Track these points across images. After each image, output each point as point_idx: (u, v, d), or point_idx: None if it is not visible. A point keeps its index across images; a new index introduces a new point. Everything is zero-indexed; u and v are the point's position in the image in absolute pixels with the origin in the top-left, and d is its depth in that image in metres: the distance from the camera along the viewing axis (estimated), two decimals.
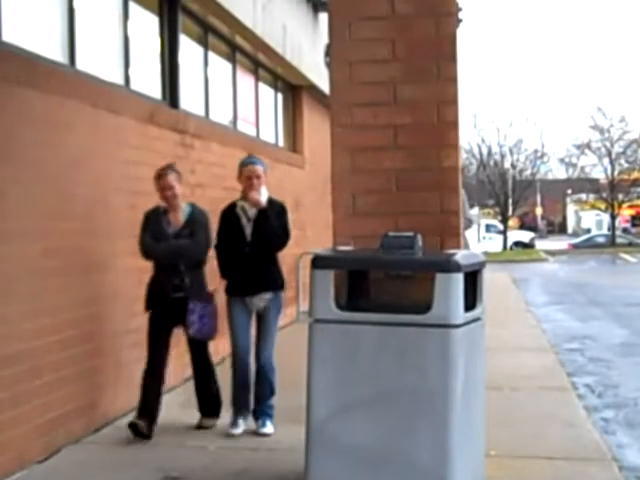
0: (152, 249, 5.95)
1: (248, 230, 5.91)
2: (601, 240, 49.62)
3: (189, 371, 6.42)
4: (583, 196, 62.50)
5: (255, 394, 5.99)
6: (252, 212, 5.93)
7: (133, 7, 7.62)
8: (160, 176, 6.04)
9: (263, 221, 5.88)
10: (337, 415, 4.07)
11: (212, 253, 6.17)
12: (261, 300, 5.92)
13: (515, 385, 7.61)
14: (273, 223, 5.90)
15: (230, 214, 6.02)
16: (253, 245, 5.89)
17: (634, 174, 50.82)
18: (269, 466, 5.23)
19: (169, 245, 5.93)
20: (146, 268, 6.10)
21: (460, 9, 6.24)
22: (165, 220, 6.03)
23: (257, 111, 11.76)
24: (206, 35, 9.69)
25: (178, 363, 6.82)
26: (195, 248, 5.98)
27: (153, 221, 6.01)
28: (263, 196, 5.94)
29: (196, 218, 6.06)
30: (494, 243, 46.09)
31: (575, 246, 47.80)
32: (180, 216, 6.06)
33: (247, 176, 5.96)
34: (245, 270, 5.87)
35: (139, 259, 6.09)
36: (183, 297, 5.88)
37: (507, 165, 50.99)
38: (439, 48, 4.65)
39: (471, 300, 4.13)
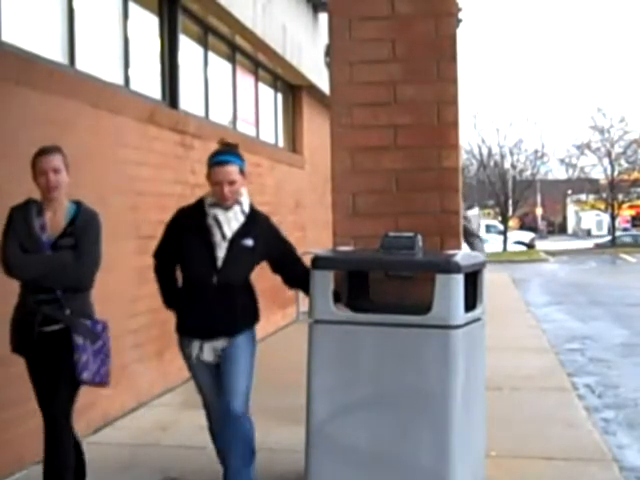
0: (18, 263, 4.10)
1: (221, 252, 4.26)
2: (627, 240, 49.89)
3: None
4: (583, 196, 62.56)
5: (227, 464, 4.41)
6: (231, 226, 4.29)
7: (133, 7, 7.62)
8: (39, 156, 4.19)
9: (243, 241, 4.28)
10: (337, 416, 4.06)
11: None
12: (220, 344, 4.35)
13: (515, 385, 7.60)
14: (277, 249, 4.45)
15: (196, 221, 4.33)
16: (224, 274, 4.25)
17: (634, 174, 50.86)
18: (269, 466, 5.22)
19: (42, 259, 4.11)
20: (147, 268, 6.08)
21: (460, 9, 6.23)
22: (39, 222, 4.15)
23: (257, 111, 11.76)
24: (206, 35, 9.70)
25: (178, 363, 6.81)
26: (81, 266, 4.16)
27: (20, 222, 4.15)
28: (244, 204, 4.35)
29: (83, 222, 4.23)
30: (494, 244, 46.16)
31: (600, 246, 48.45)
32: (61, 217, 4.21)
33: (216, 181, 4.27)
34: (208, 307, 4.26)
35: (140, 259, 6.07)
36: (60, 330, 4.13)
37: (507, 165, 51.01)
38: (439, 48, 4.64)
39: (471, 300, 4.13)
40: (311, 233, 13.43)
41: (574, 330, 13.10)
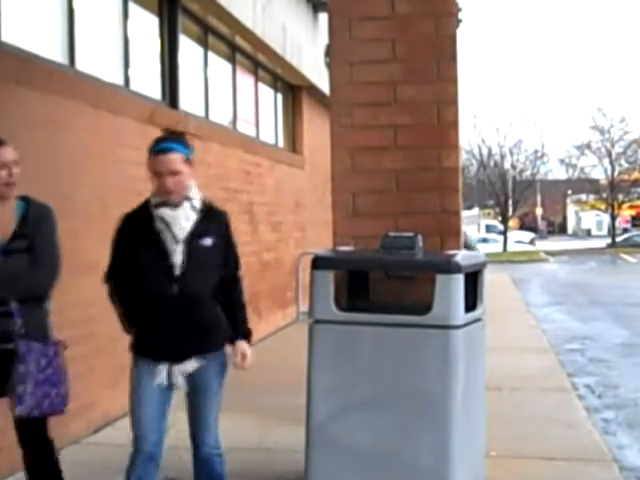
0: None
1: (176, 258, 3.67)
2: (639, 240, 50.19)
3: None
4: (583, 196, 62.59)
5: None
6: (182, 226, 3.70)
7: (133, 7, 7.62)
8: None
9: (201, 241, 3.72)
10: (337, 416, 4.06)
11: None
12: (191, 366, 3.76)
13: (515, 385, 7.60)
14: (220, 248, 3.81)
15: (142, 227, 3.75)
16: (185, 282, 3.67)
17: (634, 174, 50.91)
18: (269, 466, 5.22)
19: None
20: None
21: (460, 9, 6.22)
22: None
23: (257, 111, 11.76)
24: (206, 35, 9.70)
25: None
26: (37, 272, 3.63)
27: None
28: (194, 199, 3.78)
29: (35, 220, 3.67)
30: (495, 245, 46.20)
31: (611, 245, 48.70)
32: (10, 218, 3.65)
33: (155, 171, 3.72)
34: (169, 322, 3.67)
35: None
36: (10, 351, 3.56)
37: (507, 165, 51.06)
38: (439, 48, 4.64)
39: (472, 301, 4.12)
40: (311, 233, 13.43)
41: (574, 330, 13.10)
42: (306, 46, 12.84)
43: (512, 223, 54.48)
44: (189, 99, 8.85)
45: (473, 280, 4.18)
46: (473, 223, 50.53)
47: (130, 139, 6.87)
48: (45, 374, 3.62)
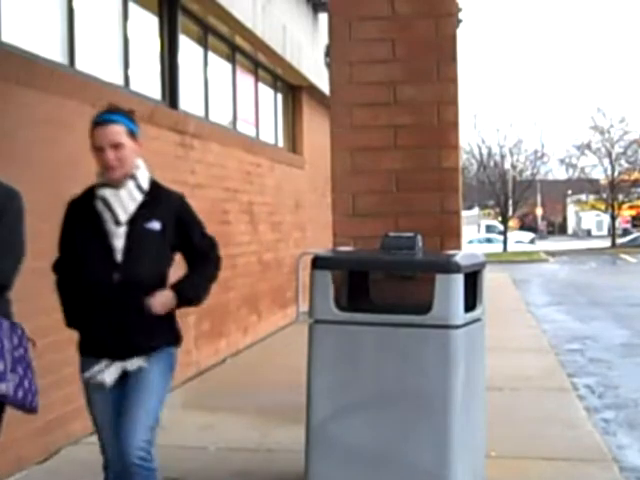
0: None
1: (117, 241, 3.37)
2: None
3: (188, 371, 6.39)
4: (583, 197, 62.61)
5: None
6: (125, 206, 3.40)
7: (133, 7, 7.62)
8: None
9: (147, 224, 3.40)
10: (337, 416, 4.06)
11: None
12: (132, 365, 3.43)
13: (515, 386, 7.60)
14: (177, 231, 3.48)
15: (83, 211, 3.47)
16: (128, 269, 3.35)
17: (634, 175, 50.91)
18: (269, 466, 5.22)
19: None
20: None
21: (460, 9, 6.22)
22: None
23: (257, 111, 11.76)
24: (206, 35, 9.70)
25: (178, 363, 6.80)
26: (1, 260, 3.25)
27: None
28: (140, 178, 3.45)
29: (2, 204, 3.27)
30: (496, 245, 46.30)
31: (624, 245, 48.96)
32: None
33: (96, 145, 3.46)
34: (110, 314, 3.35)
35: None
36: None
37: (507, 166, 51.07)
38: (439, 48, 4.64)
39: (471, 301, 4.12)
40: (311, 233, 13.43)
41: (574, 330, 13.10)
42: (306, 46, 12.84)
43: (512, 223, 54.50)
44: (189, 99, 8.85)
45: (473, 280, 4.17)
46: (473, 223, 50.62)
47: None
48: (19, 352, 3.29)
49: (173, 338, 3.55)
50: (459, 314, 3.92)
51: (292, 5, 12.18)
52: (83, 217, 3.46)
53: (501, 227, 49.45)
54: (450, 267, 3.95)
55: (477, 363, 4.22)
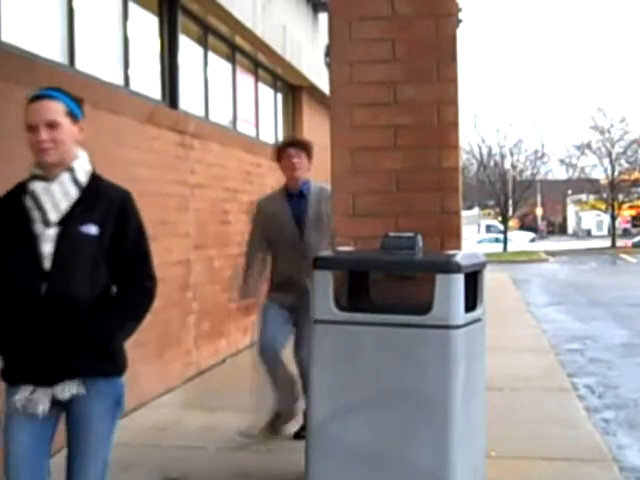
0: None
1: (47, 246, 2.82)
2: None
3: (188, 371, 6.40)
4: (583, 197, 62.61)
5: None
6: (57, 203, 2.85)
7: (133, 7, 7.62)
8: None
9: (82, 227, 2.84)
10: (337, 416, 4.06)
11: None
12: (63, 392, 2.86)
13: (515, 386, 7.60)
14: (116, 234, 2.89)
15: (11, 209, 2.94)
16: (57, 279, 2.80)
17: (634, 174, 50.91)
18: (269, 466, 5.22)
19: None
20: None
21: (460, 9, 6.22)
22: None
23: (257, 111, 11.76)
24: (206, 35, 9.69)
25: (178, 363, 6.82)
26: None
27: None
28: (78, 170, 2.95)
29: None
30: (497, 245, 46.37)
31: (635, 245, 48.92)
32: None
33: (29, 124, 3.00)
34: (36, 332, 2.82)
35: None
36: None
37: (507, 166, 51.07)
38: (439, 48, 4.64)
39: (472, 301, 4.12)
40: None
41: (574, 330, 13.10)
42: (306, 46, 12.84)
43: (512, 223, 54.51)
44: (189, 99, 8.85)
45: (473, 280, 4.17)
46: (473, 223, 50.64)
47: (130, 139, 6.87)
48: None
49: (115, 366, 2.97)
50: (459, 314, 3.92)
51: (292, 5, 12.18)
52: (10, 216, 2.90)
53: (501, 227, 49.46)
54: (450, 267, 3.94)
55: (477, 363, 4.22)
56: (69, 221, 2.83)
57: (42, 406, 2.83)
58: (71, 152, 2.94)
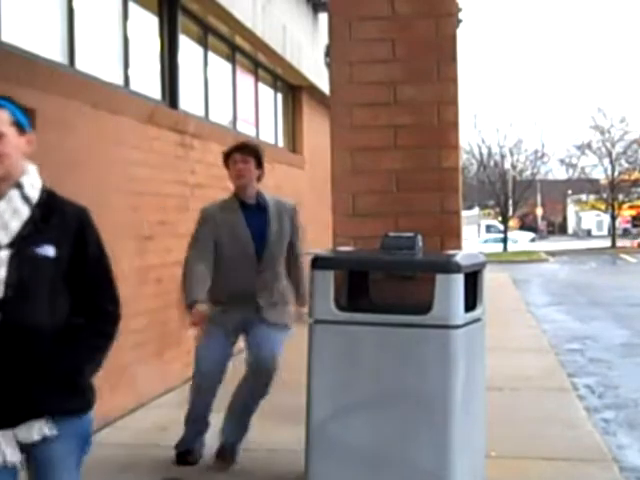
0: None
1: (0, 271, 2.50)
2: None
3: (189, 371, 6.41)
4: (583, 197, 62.57)
5: None
6: (5, 223, 2.54)
7: (133, 7, 7.62)
8: None
9: (36, 248, 2.54)
10: (337, 416, 4.06)
11: None
12: (30, 433, 2.54)
13: (515, 386, 7.60)
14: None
15: None
16: (14, 308, 2.48)
17: (634, 174, 50.86)
18: (269, 466, 5.22)
19: None
20: (148, 268, 6.06)
21: (460, 9, 6.22)
22: None
23: (257, 111, 11.76)
24: (206, 35, 9.69)
25: (178, 363, 6.82)
26: None
27: None
28: (26, 186, 2.61)
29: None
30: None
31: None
32: None
33: None
34: None
35: (139, 259, 6.07)
36: None
37: (507, 165, 51.03)
38: (439, 48, 4.64)
39: (471, 301, 4.12)
40: (311, 233, 13.41)
41: (574, 330, 13.10)
42: (306, 46, 12.84)
43: (512, 223, 54.48)
44: (189, 99, 8.85)
45: (473, 280, 4.18)
46: (473, 223, 50.60)
47: (130, 139, 6.87)
48: None
49: (84, 401, 2.70)
50: (459, 314, 3.92)
51: (292, 5, 12.17)
52: None
53: (501, 227, 49.44)
54: (450, 267, 3.95)
55: (477, 363, 4.22)
56: (21, 243, 2.53)
57: (9, 452, 2.50)
58: (18, 166, 2.60)
